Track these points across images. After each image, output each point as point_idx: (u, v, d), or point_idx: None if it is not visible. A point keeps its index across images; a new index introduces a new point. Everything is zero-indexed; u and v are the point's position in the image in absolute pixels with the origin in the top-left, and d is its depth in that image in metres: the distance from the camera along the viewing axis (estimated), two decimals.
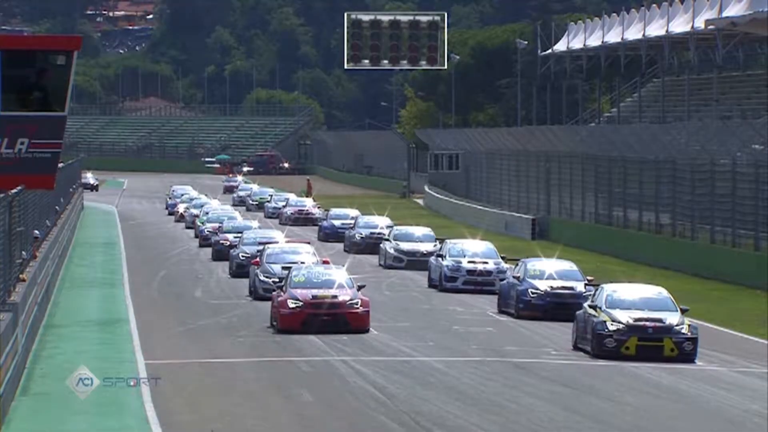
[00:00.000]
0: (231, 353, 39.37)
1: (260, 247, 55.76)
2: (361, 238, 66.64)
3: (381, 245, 62.63)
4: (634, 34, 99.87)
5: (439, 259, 54.14)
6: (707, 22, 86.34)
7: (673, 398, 32.85)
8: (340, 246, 71.78)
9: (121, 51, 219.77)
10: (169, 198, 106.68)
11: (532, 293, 45.19)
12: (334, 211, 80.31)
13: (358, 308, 41.25)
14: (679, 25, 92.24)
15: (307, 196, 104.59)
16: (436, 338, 40.70)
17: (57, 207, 68.78)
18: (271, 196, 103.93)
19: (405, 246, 61.18)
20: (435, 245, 59.49)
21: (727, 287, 56.58)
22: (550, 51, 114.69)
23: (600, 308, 39.11)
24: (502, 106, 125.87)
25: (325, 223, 78.08)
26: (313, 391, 33.41)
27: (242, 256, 57.50)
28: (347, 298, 41.69)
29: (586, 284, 45.64)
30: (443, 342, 40.24)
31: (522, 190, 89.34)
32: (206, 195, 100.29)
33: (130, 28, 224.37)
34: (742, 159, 60.74)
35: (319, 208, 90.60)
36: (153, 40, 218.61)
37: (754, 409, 30.81)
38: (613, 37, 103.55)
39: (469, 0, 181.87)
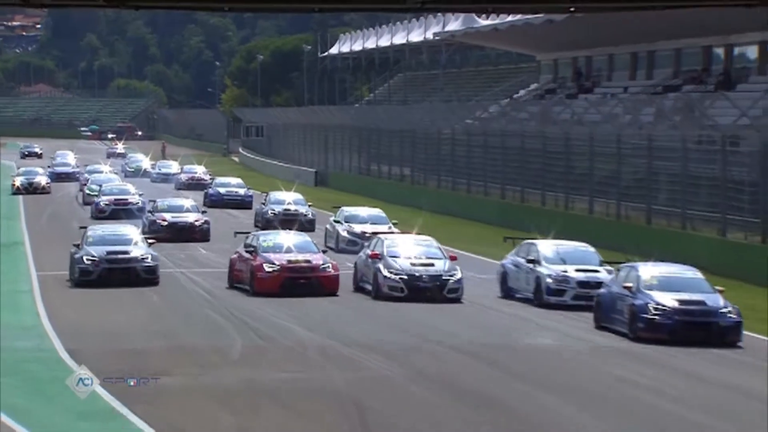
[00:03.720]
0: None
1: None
2: (274, 214, 51.41)
3: (328, 227, 46.31)
4: (384, 42, 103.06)
5: (529, 264, 33.18)
6: (435, 34, 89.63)
7: None
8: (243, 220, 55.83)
9: (17, 50, 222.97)
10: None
11: (656, 310, 27.79)
12: (219, 179, 67.59)
13: (330, 271, 33.82)
14: (416, 36, 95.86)
15: (163, 157, 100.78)
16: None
17: None
18: (154, 164, 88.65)
19: (358, 229, 44.73)
20: (389, 227, 44.41)
21: (452, 219, 56.15)
22: (327, 53, 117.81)
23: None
24: (294, 92, 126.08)
25: (211, 191, 65.03)
26: (161, 295, 33.26)
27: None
28: (320, 262, 34.07)
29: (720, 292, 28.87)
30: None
31: (308, 151, 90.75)
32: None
33: (24, 34, 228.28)
34: (458, 130, 62.89)
35: (209, 175, 76.24)
36: (41, 42, 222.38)
37: None
38: (371, 44, 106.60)
39: (270, 16, 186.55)
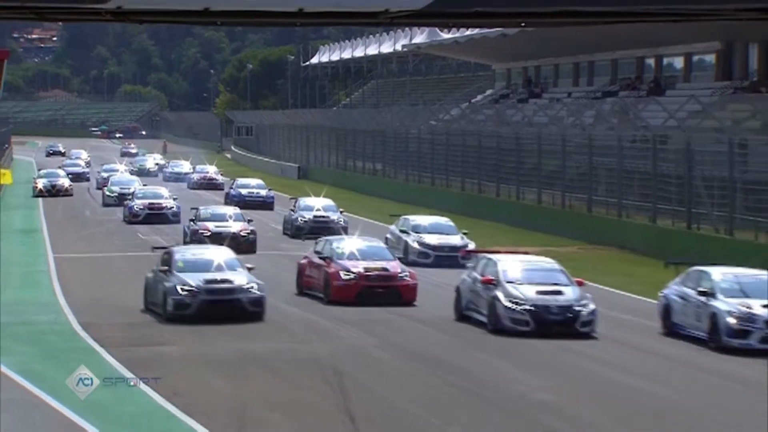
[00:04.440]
0: (111, 249, 38.72)
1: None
2: (304, 221, 43.19)
3: (390, 236, 37.27)
4: (359, 53, 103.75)
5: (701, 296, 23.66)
6: (403, 46, 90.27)
7: None
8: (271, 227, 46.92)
9: (36, 60, 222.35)
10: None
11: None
12: (240, 180, 59.29)
13: (408, 280, 28.21)
14: (386, 48, 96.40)
15: (164, 154, 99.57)
16: None
17: None
18: (166, 163, 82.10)
19: (431, 240, 36.23)
20: (461, 238, 36.49)
21: (417, 208, 51.82)
22: (308, 63, 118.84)
23: None
24: (279, 97, 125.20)
25: (232, 191, 56.57)
26: None
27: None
28: (398, 270, 28.53)
29: None
30: None
31: (292, 148, 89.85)
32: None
33: (42, 45, 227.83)
34: (423, 130, 63.03)
35: (222, 174, 70.18)
36: (57, 53, 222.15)
37: None
38: (347, 54, 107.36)
39: (258, 30, 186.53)
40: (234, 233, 37.87)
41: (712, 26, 52.15)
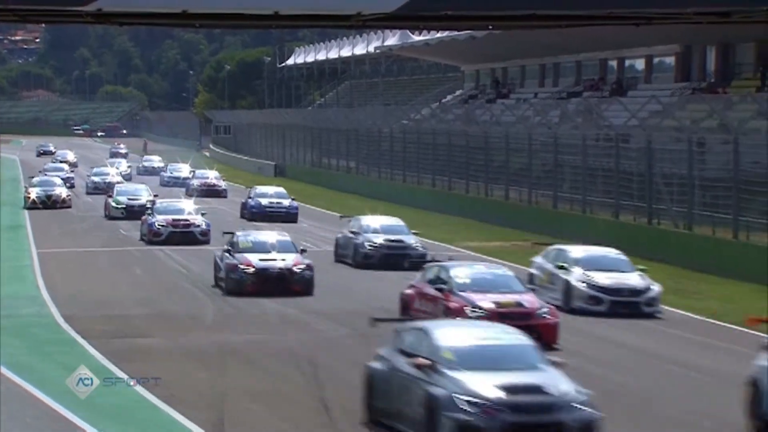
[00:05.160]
0: (93, 244, 38.38)
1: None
2: (374, 247, 33.48)
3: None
4: (333, 54, 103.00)
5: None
6: (375, 47, 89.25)
7: None
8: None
9: (19, 61, 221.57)
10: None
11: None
12: (258, 188, 50.47)
13: (548, 318, 22.23)
14: (360, 49, 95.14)
15: (144, 153, 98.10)
16: None
17: None
18: (167, 164, 74.15)
19: (602, 279, 26.37)
20: (640, 276, 26.73)
21: (390, 204, 51.88)
22: (284, 64, 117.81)
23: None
24: (256, 97, 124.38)
25: (251, 202, 48.22)
26: (143, 268, 32.90)
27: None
28: (536, 305, 22.53)
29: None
30: None
31: (269, 146, 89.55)
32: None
33: (25, 47, 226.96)
34: (395, 129, 62.74)
35: (223, 180, 61.79)
36: (40, 54, 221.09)
37: None
38: (321, 56, 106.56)
39: (235, 32, 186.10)
40: (283, 269, 28.84)
41: (672, 29, 52.35)
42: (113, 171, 64.86)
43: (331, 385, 18.48)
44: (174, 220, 39.28)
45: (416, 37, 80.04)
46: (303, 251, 29.85)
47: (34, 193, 52.44)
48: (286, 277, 28.39)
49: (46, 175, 60.24)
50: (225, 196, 59.25)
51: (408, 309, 23.52)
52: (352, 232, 34.95)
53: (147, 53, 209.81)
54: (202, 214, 40.40)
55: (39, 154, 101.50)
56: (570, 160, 44.75)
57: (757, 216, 33.17)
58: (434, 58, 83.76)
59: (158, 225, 39.05)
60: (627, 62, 60.28)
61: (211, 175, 62.99)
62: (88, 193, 60.18)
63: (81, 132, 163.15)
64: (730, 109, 39.48)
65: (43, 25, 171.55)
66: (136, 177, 70.72)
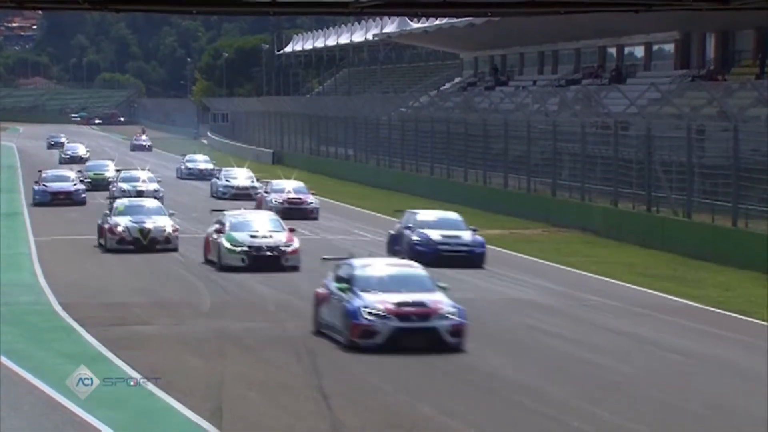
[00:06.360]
0: (91, 232, 36.51)
1: None
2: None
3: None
4: (331, 42, 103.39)
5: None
6: (374, 35, 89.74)
7: None
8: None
9: (16, 48, 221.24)
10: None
11: None
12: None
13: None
14: (358, 37, 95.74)
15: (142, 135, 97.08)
16: None
17: None
18: (183, 156, 66.18)
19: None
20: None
21: (388, 192, 55.17)
22: (282, 51, 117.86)
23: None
24: (254, 84, 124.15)
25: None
26: (141, 255, 32.50)
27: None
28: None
29: None
30: None
31: (266, 134, 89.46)
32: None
33: (22, 34, 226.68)
34: (394, 117, 62.89)
35: (312, 193, 44.77)
36: (37, 41, 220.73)
37: None
38: (320, 43, 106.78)
39: (233, 19, 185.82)
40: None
41: (671, 16, 52.30)
42: (144, 175, 50.04)
43: (330, 373, 18.50)
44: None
45: (415, 25, 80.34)
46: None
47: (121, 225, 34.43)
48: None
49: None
50: (315, 217, 43.08)
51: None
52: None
53: (144, 40, 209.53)
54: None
55: (50, 146, 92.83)
56: (569, 148, 44.75)
57: (757, 204, 33.19)
58: (433, 45, 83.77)
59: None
60: (626, 50, 60.24)
61: (289, 187, 44.40)
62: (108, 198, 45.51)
63: (78, 120, 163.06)
64: (729, 97, 39.49)
65: (40, 12, 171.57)
66: (177, 186, 56.58)
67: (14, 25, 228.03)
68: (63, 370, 17.43)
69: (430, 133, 56.96)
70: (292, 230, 31.00)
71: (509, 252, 35.53)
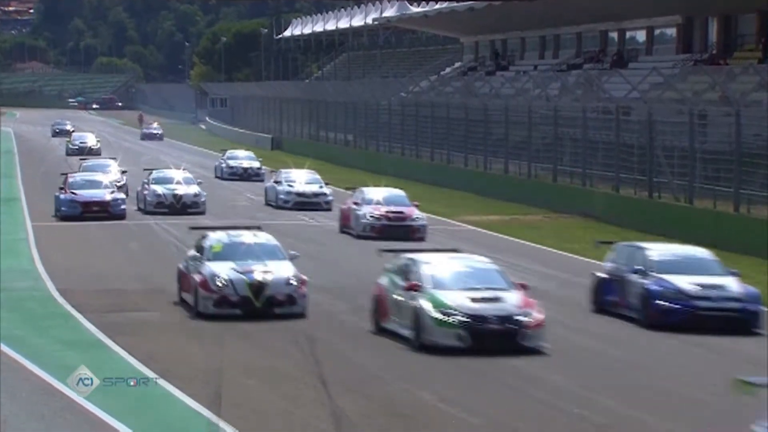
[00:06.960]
0: (87, 218, 37.34)
1: None
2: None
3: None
4: (331, 26, 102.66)
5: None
6: (374, 19, 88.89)
7: None
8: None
9: (13, 32, 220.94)
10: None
11: None
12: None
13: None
14: (357, 21, 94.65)
15: (140, 125, 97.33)
16: None
17: None
18: (260, 165, 56.21)
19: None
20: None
21: (388, 178, 51.57)
22: (281, 36, 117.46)
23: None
24: (253, 69, 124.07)
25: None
26: (139, 242, 33.01)
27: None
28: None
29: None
30: None
31: (265, 119, 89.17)
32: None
33: (19, 18, 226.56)
34: (394, 102, 62.91)
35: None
36: (34, 25, 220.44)
37: None
38: (319, 27, 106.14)
39: (232, 3, 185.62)
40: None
41: (673, 0, 52.08)
42: (179, 175, 41.90)
43: (330, 360, 18.45)
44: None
45: (415, 9, 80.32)
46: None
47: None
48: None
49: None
50: (422, 237, 34.86)
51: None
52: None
53: (142, 24, 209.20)
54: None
55: (55, 134, 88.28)
56: (570, 133, 44.69)
57: (759, 189, 33.19)
58: (433, 29, 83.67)
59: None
60: (628, 34, 60.10)
61: (380, 197, 36.07)
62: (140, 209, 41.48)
63: (76, 104, 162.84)
64: (731, 81, 39.39)
65: None
66: (216, 188, 49.68)
67: (11, 8, 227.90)
68: (61, 356, 17.43)
69: (430, 118, 56.83)
70: (524, 286, 20.20)
71: (509, 238, 35.52)
